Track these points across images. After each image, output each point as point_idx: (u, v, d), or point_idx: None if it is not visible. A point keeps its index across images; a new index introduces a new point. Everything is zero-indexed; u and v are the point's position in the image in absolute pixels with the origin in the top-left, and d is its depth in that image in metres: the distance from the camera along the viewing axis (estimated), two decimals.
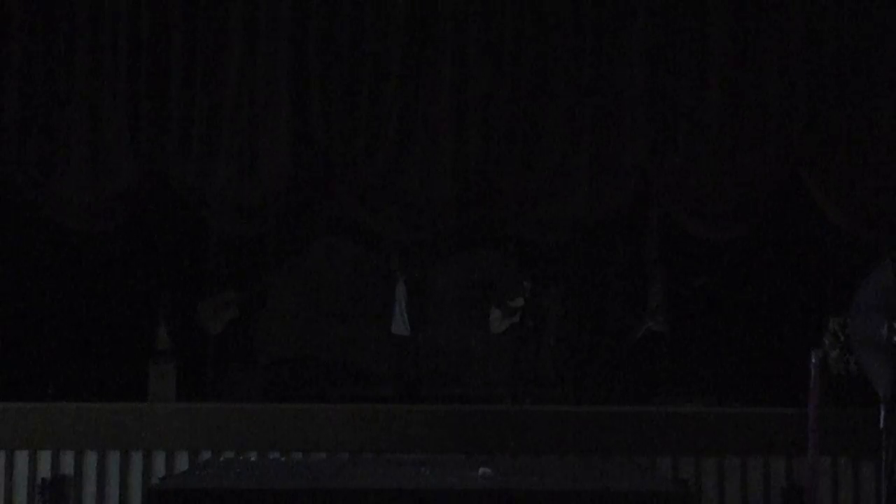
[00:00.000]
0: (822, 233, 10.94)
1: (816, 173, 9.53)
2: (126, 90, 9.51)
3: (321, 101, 9.49)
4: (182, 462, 8.97)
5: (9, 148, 9.56)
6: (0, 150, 9.57)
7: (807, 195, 10.12)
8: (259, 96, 9.51)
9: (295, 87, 9.48)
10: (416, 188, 9.53)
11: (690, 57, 9.52)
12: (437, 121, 9.51)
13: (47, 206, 9.74)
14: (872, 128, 9.46)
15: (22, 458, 9.02)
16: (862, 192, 9.49)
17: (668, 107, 9.51)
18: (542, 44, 9.53)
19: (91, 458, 9.03)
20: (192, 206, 9.87)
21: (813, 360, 7.58)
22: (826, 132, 9.46)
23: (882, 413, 6.84)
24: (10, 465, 9.01)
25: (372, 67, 9.50)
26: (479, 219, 10.37)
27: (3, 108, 9.56)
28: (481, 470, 6.67)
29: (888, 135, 9.46)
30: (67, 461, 9.02)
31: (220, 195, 9.63)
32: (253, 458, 8.73)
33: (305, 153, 9.52)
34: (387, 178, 9.54)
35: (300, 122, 9.49)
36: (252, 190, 9.57)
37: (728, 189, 9.53)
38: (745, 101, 9.46)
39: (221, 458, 8.73)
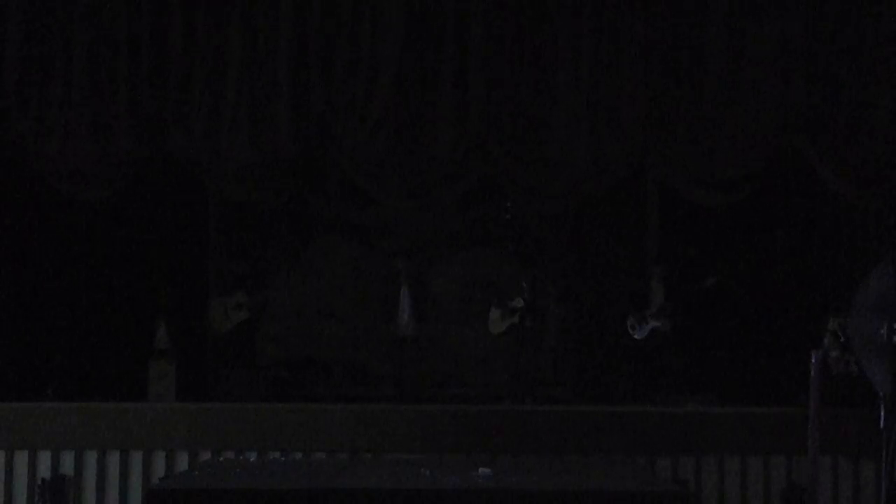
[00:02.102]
0: (822, 229, 10.97)
1: (814, 139, 9.58)
2: (126, 55, 9.52)
3: (322, 65, 9.51)
4: (182, 462, 8.97)
5: (7, 112, 9.57)
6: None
7: (807, 190, 10.17)
8: (260, 61, 9.54)
9: (295, 53, 9.50)
10: (416, 155, 9.55)
11: (690, 26, 9.56)
12: (438, 88, 9.54)
13: (44, 170, 9.74)
14: (871, 93, 9.50)
15: (22, 458, 9.02)
16: (860, 158, 9.53)
17: (668, 73, 9.56)
18: (544, 12, 9.56)
19: (91, 458, 9.03)
20: (194, 174, 9.90)
21: (813, 360, 7.57)
22: (824, 98, 9.51)
23: (882, 413, 6.83)
24: (10, 465, 9.00)
25: (372, 33, 9.52)
26: (479, 187, 10.42)
27: (2, 71, 9.57)
28: (481, 470, 6.67)
29: (886, 101, 9.49)
30: (67, 461, 9.02)
31: (221, 162, 9.64)
32: (253, 458, 8.73)
33: (306, 119, 9.56)
34: (387, 144, 9.56)
35: (301, 88, 9.52)
36: (254, 156, 9.59)
37: (727, 154, 9.58)
38: (744, 66, 9.51)
39: (221, 458, 8.73)
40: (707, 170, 9.70)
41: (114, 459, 9.03)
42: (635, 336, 10.80)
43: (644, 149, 9.72)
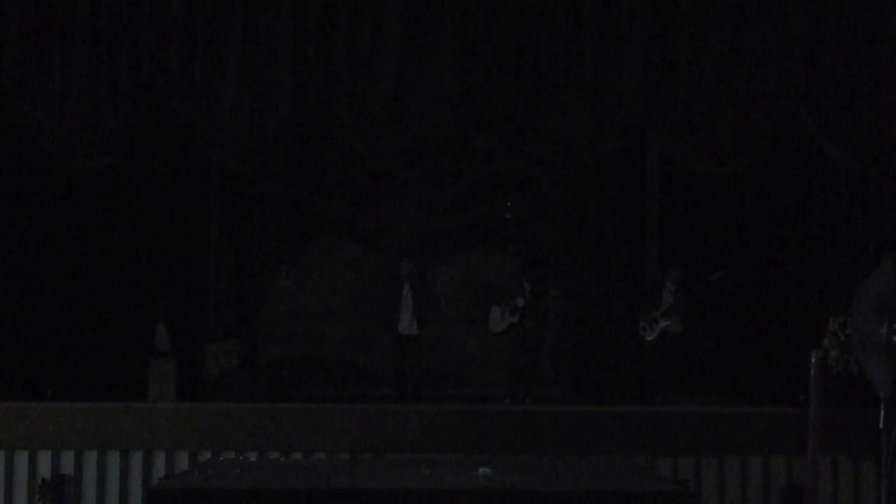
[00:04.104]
0: (823, 229, 10.97)
1: (815, 108, 9.61)
2: (127, 24, 9.54)
3: (322, 36, 9.54)
4: (182, 462, 8.96)
5: (8, 81, 9.59)
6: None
7: (808, 190, 10.13)
8: (261, 29, 9.57)
9: (296, 20, 9.52)
10: (416, 121, 9.58)
11: None
12: (439, 53, 9.58)
13: (45, 139, 9.76)
14: (871, 62, 9.52)
15: (22, 458, 9.01)
16: (860, 128, 9.55)
17: (669, 41, 9.60)
18: None
19: (91, 458, 9.02)
20: (194, 143, 9.93)
21: (813, 360, 7.57)
22: (825, 67, 9.54)
23: (882, 413, 6.83)
24: (10, 465, 9.00)
25: (374, 5, 9.56)
26: (479, 153, 10.41)
27: (2, 39, 9.58)
28: (481, 470, 6.67)
29: (887, 70, 9.51)
30: (67, 461, 9.01)
31: (222, 131, 9.67)
32: (253, 458, 8.72)
33: (307, 86, 9.59)
34: (387, 110, 9.59)
35: (301, 55, 9.55)
36: (254, 125, 9.62)
37: (727, 123, 9.61)
38: (746, 36, 9.56)
39: (221, 458, 8.73)
40: (706, 137, 9.72)
41: (114, 459, 9.03)
42: (647, 338, 10.79)
43: (644, 115, 9.79)
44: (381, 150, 9.77)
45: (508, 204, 12.06)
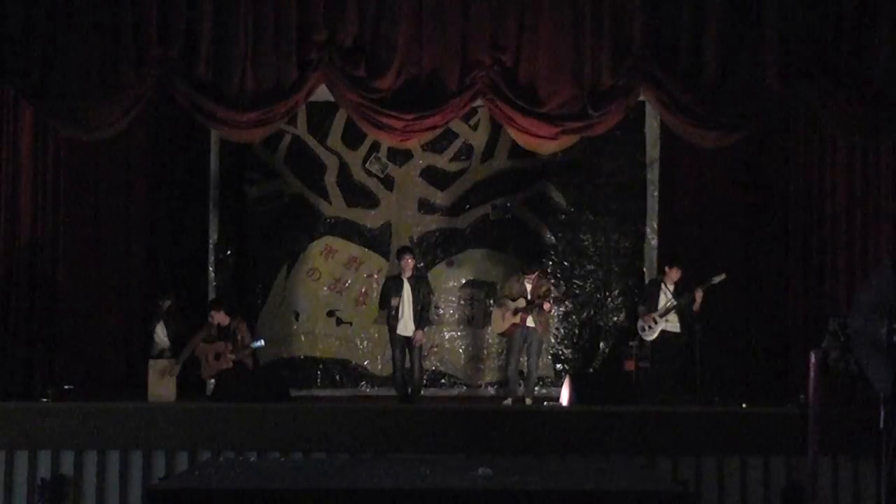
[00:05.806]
0: (823, 230, 10.96)
1: (816, 81, 9.63)
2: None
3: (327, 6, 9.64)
4: (182, 462, 8.96)
5: (13, 58, 9.61)
6: (4, 60, 9.66)
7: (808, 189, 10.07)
8: (263, 7, 9.63)
9: None
10: (422, 82, 9.76)
11: None
12: (444, 27, 9.76)
13: (53, 115, 9.81)
14: (871, 37, 9.54)
15: (22, 458, 9.01)
16: (861, 101, 9.57)
17: (669, 14, 9.66)
18: None
19: (91, 458, 9.02)
20: (198, 122, 9.99)
21: (813, 360, 7.55)
22: (826, 40, 9.57)
23: (882, 413, 6.81)
24: (10, 465, 8.99)
25: None
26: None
27: (8, 18, 9.60)
28: (481, 470, 6.66)
29: (886, 44, 9.53)
30: (67, 461, 9.01)
31: (225, 108, 9.71)
32: (253, 458, 8.72)
33: (311, 57, 9.70)
34: (393, 76, 9.77)
35: (306, 30, 9.60)
36: (258, 96, 9.69)
37: (726, 94, 9.64)
38: (745, 11, 9.62)
39: (221, 458, 8.72)
40: (705, 109, 9.76)
41: (114, 459, 9.02)
42: (646, 338, 10.78)
43: (644, 86, 9.84)
44: (383, 110, 9.86)
45: (508, 204, 12.05)
